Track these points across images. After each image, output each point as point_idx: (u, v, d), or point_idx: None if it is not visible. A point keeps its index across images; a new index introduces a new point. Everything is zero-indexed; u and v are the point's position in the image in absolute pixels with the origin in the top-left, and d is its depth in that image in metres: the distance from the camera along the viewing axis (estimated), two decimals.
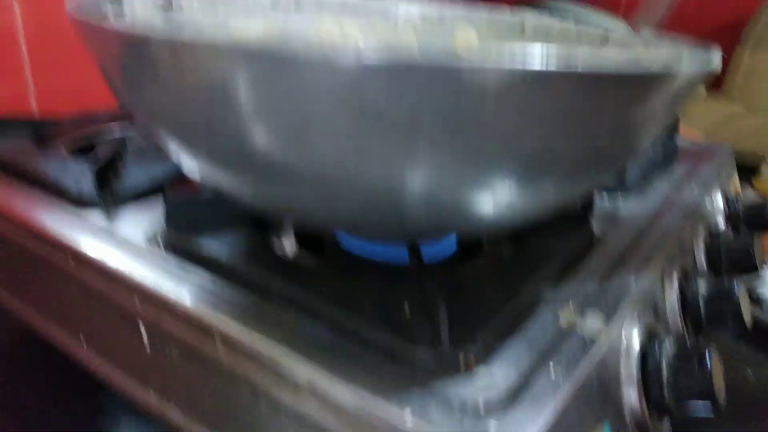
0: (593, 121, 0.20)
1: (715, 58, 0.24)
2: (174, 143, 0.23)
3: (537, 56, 0.18)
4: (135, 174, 0.39)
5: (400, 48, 0.17)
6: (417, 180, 0.20)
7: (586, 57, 0.18)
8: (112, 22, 0.22)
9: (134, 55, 0.22)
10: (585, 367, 0.25)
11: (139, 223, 0.35)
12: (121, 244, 0.32)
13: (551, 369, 0.24)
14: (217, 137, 0.20)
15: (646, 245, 0.36)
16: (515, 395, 0.23)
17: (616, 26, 0.42)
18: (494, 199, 0.22)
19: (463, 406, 0.22)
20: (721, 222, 0.48)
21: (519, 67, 0.18)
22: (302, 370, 0.24)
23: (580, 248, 0.35)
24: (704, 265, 0.42)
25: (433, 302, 0.26)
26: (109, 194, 0.37)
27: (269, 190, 0.23)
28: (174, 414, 0.31)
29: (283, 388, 0.25)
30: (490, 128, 0.19)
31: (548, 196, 0.24)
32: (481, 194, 0.21)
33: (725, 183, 0.52)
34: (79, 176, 0.38)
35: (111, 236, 0.33)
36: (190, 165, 0.24)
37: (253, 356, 0.25)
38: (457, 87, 0.18)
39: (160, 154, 0.46)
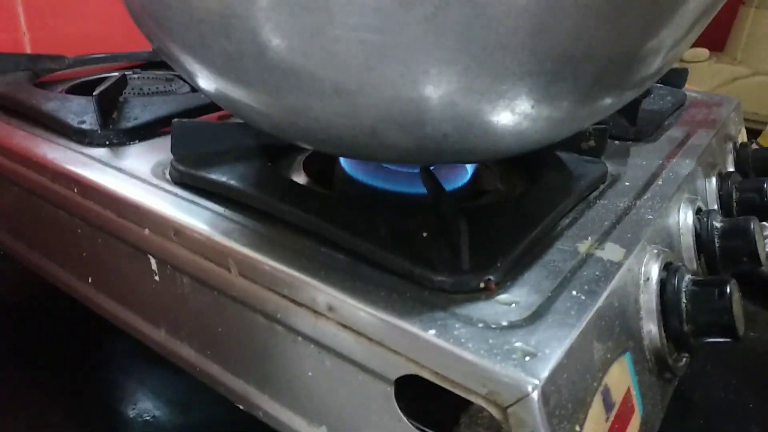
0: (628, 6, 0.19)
1: None
2: (190, 55, 0.22)
3: None
4: (137, 111, 0.38)
5: None
6: (442, 81, 0.19)
7: None
8: None
9: None
10: (606, 294, 0.24)
11: (145, 159, 0.34)
12: (128, 177, 0.31)
13: (574, 293, 0.24)
14: (234, 39, 0.19)
15: (659, 185, 0.36)
16: (539, 316, 0.22)
17: None
18: (521, 107, 0.21)
19: (487, 326, 0.22)
20: (730, 168, 0.48)
21: None
22: (320, 293, 0.24)
23: (594, 185, 0.34)
24: (717, 206, 0.41)
25: (453, 226, 0.25)
26: (112, 130, 0.36)
27: (287, 103, 0.22)
28: (186, 352, 0.30)
29: (300, 314, 0.24)
30: (523, 13, 0.18)
31: (574, 106, 0.23)
32: (507, 99, 0.21)
33: (734, 132, 0.51)
34: (81, 113, 0.37)
35: (117, 170, 0.32)
36: (206, 81, 0.23)
37: (269, 282, 0.25)
38: None
39: (161, 92, 0.45)
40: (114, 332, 0.35)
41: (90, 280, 0.34)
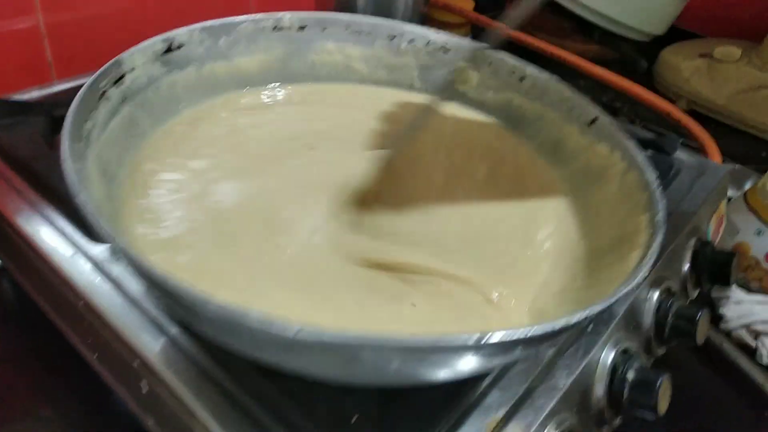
0: None
1: None
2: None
3: None
4: None
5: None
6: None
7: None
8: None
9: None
10: None
11: None
12: (128, 304, 0.37)
13: None
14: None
15: (588, 332, 0.40)
16: None
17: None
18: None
19: None
20: (686, 264, 0.51)
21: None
22: None
23: None
24: (651, 323, 0.45)
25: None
26: None
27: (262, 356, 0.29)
28: None
29: None
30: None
31: None
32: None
33: (705, 225, 0.53)
34: None
35: (117, 289, 0.38)
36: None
37: None
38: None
39: None
40: None
41: (96, 356, 0.41)
